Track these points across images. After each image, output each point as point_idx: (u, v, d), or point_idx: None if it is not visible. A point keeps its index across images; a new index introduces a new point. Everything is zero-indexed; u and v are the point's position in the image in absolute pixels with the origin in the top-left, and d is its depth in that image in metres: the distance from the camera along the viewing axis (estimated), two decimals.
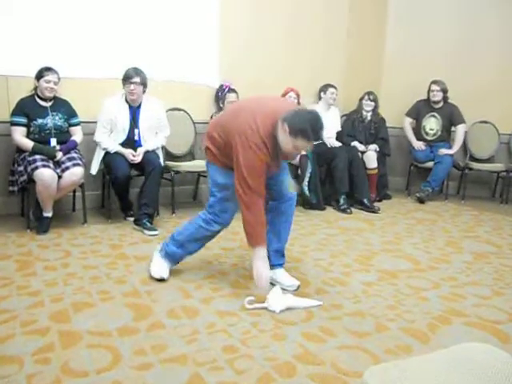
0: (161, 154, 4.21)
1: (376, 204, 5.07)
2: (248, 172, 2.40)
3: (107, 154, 3.96)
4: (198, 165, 4.47)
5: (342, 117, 5.60)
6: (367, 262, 3.32)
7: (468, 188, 5.65)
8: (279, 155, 2.53)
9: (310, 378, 1.88)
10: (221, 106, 4.86)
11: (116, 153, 3.94)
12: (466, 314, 2.53)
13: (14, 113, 3.72)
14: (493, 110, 5.77)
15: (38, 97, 3.79)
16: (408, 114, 5.80)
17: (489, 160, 5.85)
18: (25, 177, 3.63)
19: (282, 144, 2.43)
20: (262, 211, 2.50)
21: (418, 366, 1.20)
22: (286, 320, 2.37)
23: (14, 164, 3.80)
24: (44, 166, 3.57)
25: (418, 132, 5.73)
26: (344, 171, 4.97)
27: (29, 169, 3.58)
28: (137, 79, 3.92)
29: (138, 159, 3.94)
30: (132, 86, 3.91)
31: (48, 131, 3.77)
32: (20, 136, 3.70)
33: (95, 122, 4.03)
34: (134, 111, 4.05)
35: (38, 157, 3.63)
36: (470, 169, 5.66)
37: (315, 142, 2.58)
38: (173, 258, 2.86)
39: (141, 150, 3.99)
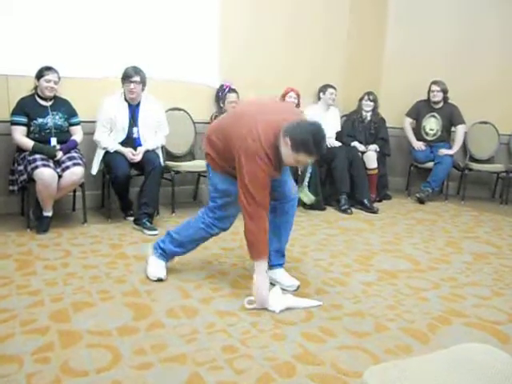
0: (161, 153, 4.21)
1: (376, 204, 5.07)
2: (252, 185, 2.38)
3: (107, 153, 3.97)
4: (198, 165, 4.47)
5: (341, 117, 5.60)
6: (367, 263, 3.32)
7: (468, 188, 5.65)
8: (281, 164, 2.51)
9: (309, 378, 1.88)
10: (221, 105, 4.86)
11: (116, 152, 3.95)
12: (465, 314, 2.53)
13: (14, 112, 3.72)
14: (493, 110, 5.77)
15: (39, 96, 3.79)
16: (408, 115, 5.80)
17: (489, 160, 5.85)
18: (25, 176, 3.63)
19: (283, 156, 2.41)
20: (266, 224, 2.49)
21: (418, 366, 1.20)
22: (285, 320, 2.38)
23: (14, 163, 3.80)
24: (44, 165, 3.57)
25: (418, 132, 5.73)
26: (344, 171, 4.97)
27: (29, 168, 3.58)
28: (137, 78, 3.93)
29: (137, 158, 3.94)
30: (132, 85, 3.92)
31: (48, 131, 3.77)
32: (20, 135, 3.70)
33: (95, 122, 4.03)
34: (133, 110, 4.05)
35: (38, 156, 3.62)
36: (470, 169, 5.66)
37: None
38: (169, 256, 2.87)
39: (141, 150, 3.99)
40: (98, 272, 2.93)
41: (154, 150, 4.10)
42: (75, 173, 3.70)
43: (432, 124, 5.66)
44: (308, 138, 2.30)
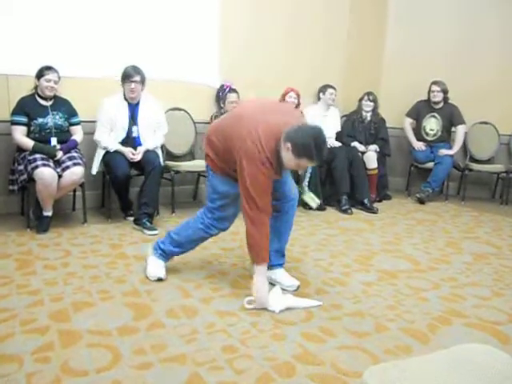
0: (160, 153, 4.21)
1: (376, 204, 5.07)
2: (254, 188, 2.38)
3: (107, 153, 3.97)
4: (198, 164, 4.47)
5: (341, 117, 5.60)
6: (367, 263, 3.32)
7: (468, 189, 5.65)
8: (282, 167, 2.50)
9: (309, 378, 1.88)
10: (221, 105, 4.86)
11: (116, 152, 3.95)
12: (465, 314, 2.53)
13: (15, 112, 3.72)
14: (493, 110, 5.77)
15: (39, 96, 3.79)
16: (408, 115, 5.80)
17: (489, 161, 5.85)
18: (25, 176, 3.62)
19: (284, 160, 2.40)
20: (267, 229, 2.49)
21: (418, 366, 1.20)
22: (285, 320, 2.38)
23: (14, 163, 3.80)
24: (44, 165, 3.57)
25: (418, 132, 5.73)
26: (344, 172, 4.97)
27: (29, 168, 3.58)
28: (137, 78, 3.94)
29: (137, 158, 3.94)
30: (133, 85, 3.93)
31: (48, 130, 3.77)
32: (20, 135, 3.70)
33: (95, 122, 4.03)
34: (133, 109, 4.06)
35: (38, 156, 3.62)
36: (470, 169, 5.65)
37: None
38: (169, 256, 2.87)
39: (140, 149, 3.99)
40: (97, 272, 2.93)
41: (153, 150, 4.10)
42: (75, 172, 3.70)
43: (432, 124, 5.66)
44: (309, 143, 2.29)
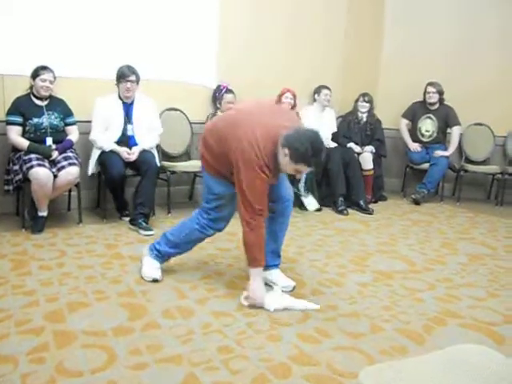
0: (156, 153, 4.21)
1: (372, 205, 5.08)
2: (251, 193, 2.38)
3: (102, 152, 3.96)
4: (194, 165, 4.46)
5: (337, 118, 5.60)
6: (362, 263, 3.32)
7: (463, 190, 5.66)
8: (279, 171, 2.50)
9: (305, 378, 1.89)
10: (218, 106, 4.86)
11: (111, 151, 3.94)
12: (461, 315, 2.54)
13: (10, 112, 3.71)
14: (489, 111, 5.77)
15: (34, 96, 3.78)
16: (404, 116, 5.80)
17: (484, 162, 5.86)
18: (20, 176, 3.61)
19: (281, 165, 2.40)
20: (263, 231, 2.49)
21: (413, 367, 1.20)
22: (281, 321, 2.38)
23: (9, 163, 3.79)
24: (39, 165, 3.56)
25: (414, 133, 5.74)
26: (339, 173, 4.98)
27: (24, 168, 3.56)
28: (132, 77, 3.95)
29: (132, 158, 3.94)
30: (128, 84, 3.94)
31: (44, 130, 3.76)
32: (15, 135, 3.69)
33: (91, 122, 4.01)
34: (128, 108, 4.07)
35: (33, 156, 3.61)
36: (466, 171, 5.67)
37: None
38: (164, 257, 2.86)
39: (136, 149, 3.99)
40: (93, 272, 2.93)
41: (149, 150, 4.10)
42: (70, 173, 3.69)
43: (428, 125, 5.67)
44: (307, 148, 2.28)
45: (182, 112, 4.85)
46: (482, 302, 2.73)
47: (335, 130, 5.43)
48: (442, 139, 5.69)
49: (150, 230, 3.77)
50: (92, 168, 4.03)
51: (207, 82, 4.95)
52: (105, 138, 3.97)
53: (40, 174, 3.52)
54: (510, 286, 3.00)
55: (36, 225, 3.69)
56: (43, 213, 3.73)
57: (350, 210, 4.86)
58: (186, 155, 4.93)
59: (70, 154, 3.81)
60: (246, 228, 2.45)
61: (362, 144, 5.36)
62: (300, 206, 4.81)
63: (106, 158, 3.93)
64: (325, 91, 5.26)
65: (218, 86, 4.89)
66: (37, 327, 2.19)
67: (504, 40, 5.73)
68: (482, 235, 4.22)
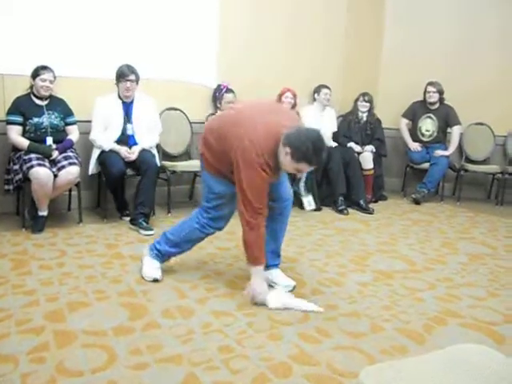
0: (156, 153, 4.21)
1: (372, 205, 5.08)
2: (251, 192, 2.37)
3: (102, 152, 3.96)
4: (194, 164, 4.46)
5: (338, 117, 5.60)
6: (363, 263, 3.32)
7: (463, 189, 5.66)
8: (280, 170, 2.50)
9: (305, 378, 1.88)
10: (218, 105, 4.86)
11: (111, 151, 3.94)
12: (461, 315, 2.54)
13: (10, 111, 3.71)
14: (490, 111, 5.78)
15: (34, 95, 3.78)
16: (404, 115, 5.80)
17: (484, 162, 5.86)
18: (20, 175, 3.61)
19: (283, 164, 2.39)
20: (263, 230, 2.49)
21: (414, 366, 1.20)
22: (281, 320, 2.38)
23: (9, 163, 3.79)
24: (39, 164, 3.56)
25: (414, 133, 5.74)
26: (339, 173, 4.98)
27: (24, 167, 3.56)
28: (132, 77, 3.96)
29: (132, 157, 3.94)
30: (128, 84, 3.95)
31: (44, 130, 3.76)
32: (16, 135, 3.69)
33: (91, 121, 4.02)
34: (127, 107, 4.08)
35: (33, 155, 3.61)
36: (466, 170, 5.67)
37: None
38: (164, 257, 2.86)
39: (136, 149, 3.99)
40: (93, 272, 2.93)
41: (149, 150, 4.10)
42: (71, 172, 3.69)
43: (428, 125, 5.67)
44: (308, 147, 2.28)
45: (182, 111, 4.85)
46: (482, 302, 2.73)
47: (335, 129, 5.43)
48: (442, 139, 5.69)
49: (151, 229, 3.77)
50: (92, 168, 4.03)
51: (207, 82, 4.95)
52: (104, 137, 3.97)
53: (40, 173, 3.52)
54: (510, 286, 3.00)
55: (36, 224, 3.69)
56: (43, 212, 3.73)
57: (350, 210, 4.86)
58: (186, 155, 4.93)
59: (71, 154, 3.82)
60: (246, 227, 2.46)
61: (363, 143, 5.36)
62: (300, 205, 4.80)
63: (105, 157, 3.93)
64: (324, 90, 5.26)
65: (219, 86, 4.89)
66: (37, 327, 2.19)
67: (504, 40, 5.73)
68: (483, 235, 4.22)
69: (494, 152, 5.90)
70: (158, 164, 4.11)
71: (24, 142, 3.67)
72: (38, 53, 3.99)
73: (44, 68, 3.73)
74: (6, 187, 3.79)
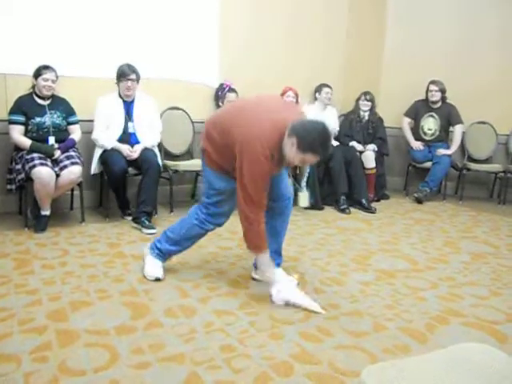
0: (158, 152, 4.22)
1: (374, 204, 5.07)
2: (252, 184, 2.36)
3: (104, 151, 3.97)
4: (196, 164, 4.44)
5: (339, 117, 5.60)
6: (365, 262, 3.32)
7: (466, 188, 5.65)
8: (283, 163, 2.49)
9: (307, 377, 1.88)
10: (220, 105, 4.86)
11: (113, 149, 3.95)
12: (463, 314, 2.53)
13: (12, 111, 3.71)
14: (492, 110, 5.77)
15: (36, 95, 3.78)
16: (406, 114, 5.80)
17: (487, 160, 5.85)
18: (22, 175, 3.62)
19: (288, 156, 2.38)
20: (262, 221, 2.48)
21: (416, 365, 1.20)
22: (283, 319, 2.38)
23: (11, 162, 3.79)
24: (42, 164, 3.56)
25: (417, 132, 5.73)
26: (341, 172, 4.98)
27: (27, 167, 3.57)
28: (133, 76, 3.97)
29: (134, 155, 3.95)
30: (129, 83, 3.96)
31: (46, 129, 3.77)
32: (18, 134, 3.69)
33: (93, 121, 4.03)
34: (128, 106, 4.09)
35: (35, 155, 3.62)
36: (468, 169, 5.66)
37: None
38: (166, 256, 2.85)
39: (138, 147, 4.00)
40: (95, 271, 2.93)
41: (151, 149, 4.10)
42: (73, 172, 3.69)
43: (430, 124, 5.66)
44: (315, 137, 2.28)
45: (184, 111, 4.85)
46: (484, 301, 2.72)
47: (337, 128, 5.43)
48: (444, 137, 5.68)
49: (153, 228, 3.78)
50: (94, 167, 4.04)
51: (209, 81, 4.95)
52: (106, 136, 3.98)
53: (42, 173, 3.53)
54: None
55: (39, 224, 3.70)
56: (46, 212, 3.73)
57: (352, 209, 4.86)
58: (189, 154, 4.93)
59: (73, 153, 3.82)
60: (245, 222, 2.45)
61: (364, 142, 5.35)
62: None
63: (107, 155, 3.94)
64: (326, 89, 5.26)
65: (221, 85, 4.89)
66: (40, 326, 2.20)
67: (504, 40, 5.72)
68: (485, 234, 4.21)
69: (497, 151, 5.89)
70: (160, 163, 4.11)
71: (26, 142, 3.67)
72: (39, 52, 4.00)
73: (46, 68, 3.73)
74: (9, 187, 3.80)
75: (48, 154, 3.69)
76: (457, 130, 5.60)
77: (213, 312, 2.43)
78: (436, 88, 5.52)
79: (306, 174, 4.75)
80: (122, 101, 4.06)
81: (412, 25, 5.81)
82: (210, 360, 1.98)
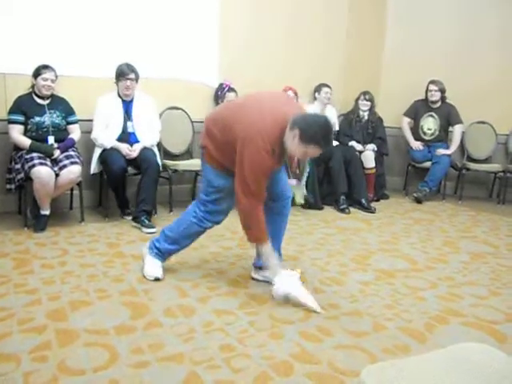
0: (157, 152, 4.22)
1: (373, 204, 5.08)
2: (252, 178, 2.36)
3: (104, 150, 3.98)
4: (196, 163, 4.45)
5: (339, 116, 5.60)
6: (364, 262, 3.32)
7: (465, 188, 5.66)
8: (284, 157, 2.49)
9: (306, 377, 1.88)
10: (219, 104, 4.86)
11: (112, 148, 3.96)
12: (463, 313, 2.53)
13: (12, 111, 3.71)
14: (491, 110, 5.77)
15: (36, 95, 3.78)
16: (406, 114, 5.80)
17: (486, 160, 5.85)
18: (22, 175, 3.62)
19: (290, 149, 2.38)
20: (261, 213, 2.47)
21: (416, 365, 1.20)
22: (283, 319, 2.37)
23: (11, 162, 3.79)
24: (41, 163, 3.56)
25: (416, 132, 5.74)
26: (340, 172, 4.98)
27: (26, 167, 3.57)
28: (132, 75, 3.98)
29: (134, 154, 3.95)
30: (128, 82, 3.97)
31: (45, 129, 3.77)
32: (17, 134, 3.69)
33: (93, 120, 4.03)
34: (127, 105, 4.10)
35: (35, 155, 3.62)
36: (468, 169, 5.66)
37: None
38: (165, 255, 2.85)
39: (137, 146, 4.01)
40: (95, 271, 2.93)
41: (150, 148, 4.11)
42: (72, 171, 3.69)
43: (430, 124, 5.67)
44: (317, 129, 2.29)
45: (183, 111, 4.85)
46: (483, 301, 2.72)
47: (337, 128, 5.43)
48: (443, 137, 5.68)
49: (153, 227, 3.78)
50: (94, 167, 4.04)
51: (209, 81, 4.95)
52: (105, 135, 3.99)
53: (42, 172, 3.53)
54: None
55: (38, 223, 3.70)
56: (45, 211, 3.73)
57: (351, 209, 4.86)
58: (188, 154, 4.93)
59: (72, 153, 3.82)
60: (243, 212, 2.45)
61: (364, 142, 5.36)
62: (301, 204, 4.78)
63: (107, 155, 3.94)
64: (325, 89, 5.26)
65: (221, 85, 4.89)
66: (39, 326, 2.20)
67: (504, 40, 5.73)
68: (484, 233, 4.21)
69: (496, 151, 5.89)
70: (159, 162, 4.11)
71: (26, 141, 3.67)
72: (39, 52, 4.00)
73: (45, 67, 3.73)
74: (8, 186, 3.80)
75: (47, 154, 3.69)
76: (456, 130, 5.60)
77: (212, 312, 2.43)
78: (436, 88, 5.52)
79: (306, 174, 4.74)
80: (121, 100, 4.07)
81: (412, 25, 5.81)
82: (210, 360, 1.98)
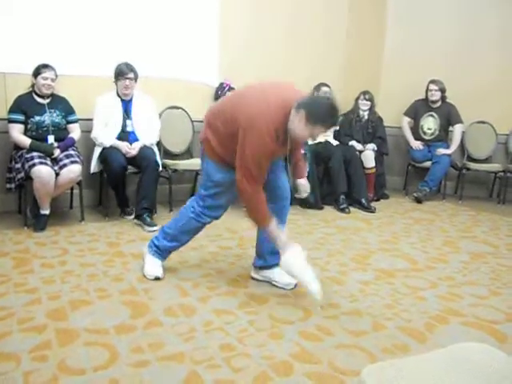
0: (157, 151, 4.22)
1: (374, 203, 5.08)
2: (253, 162, 2.34)
3: (103, 149, 3.98)
4: (196, 163, 4.45)
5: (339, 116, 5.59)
6: (364, 262, 3.32)
7: (465, 188, 5.66)
8: (289, 142, 2.46)
9: (306, 376, 1.89)
10: None
11: (111, 147, 3.96)
12: (463, 313, 2.53)
13: (12, 110, 3.71)
14: (491, 110, 5.77)
15: (36, 94, 3.78)
16: (406, 114, 5.80)
17: (486, 160, 5.85)
18: (22, 174, 3.62)
19: (296, 131, 2.36)
20: (262, 196, 2.44)
21: (415, 365, 1.20)
22: (282, 319, 2.38)
23: (11, 161, 3.79)
24: (41, 163, 3.56)
25: (416, 131, 5.74)
26: (340, 171, 4.97)
27: (26, 166, 3.57)
28: (131, 75, 3.99)
29: (133, 152, 3.96)
30: (127, 82, 3.98)
31: (45, 128, 3.76)
32: (17, 133, 3.69)
33: (92, 119, 4.03)
34: (126, 104, 4.11)
35: (35, 154, 3.62)
36: (468, 169, 5.66)
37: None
38: (164, 253, 2.84)
39: (136, 145, 4.01)
40: (95, 270, 2.93)
41: (150, 147, 4.11)
42: (72, 170, 3.69)
43: (430, 123, 5.67)
44: (323, 109, 2.30)
45: (183, 110, 4.85)
46: (484, 300, 2.73)
47: (336, 127, 5.42)
48: (444, 137, 5.68)
49: (154, 225, 3.79)
50: (94, 166, 4.05)
51: (209, 80, 4.95)
52: (105, 134, 3.99)
53: (42, 172, 3.53)
54: None
55: (38, 223, 3.70)
56: (45, 211, 3.73)
57: (351, 208, 4.86)
58: (188, 153, 4.93)
59: (72, 152, 3.82)
60: (244, 196, 2.43)
61: (364, 142, 5.35)
62: (301, 203, 4.79)
63: (106, 153, 3.95)
64: (324, 89, 5.25)
65: (221, 84, 4.89)
66: (39, 325, 2.20)
67: (504, 40, 5.72)
68: (484, 233, 4.21)
69: (496, 150, 5.89)
70: (159, 161, 4.11)
71: (26, 141, 3.67)
72: (39, 51, 3.99)
73: (45, 66, 3.73)
74: (8, 186, 3.80)
75: (47, 153, 3.69)
76: (456, 130, 5.60)
77: (212, 311, 2.43)
78: (436, 87, 5.52)
79: (308, 169, 4.73)
80: (120, 99, 4.07)
81: (412, 25, 5.81)
82: (210, 359, 1.98)
